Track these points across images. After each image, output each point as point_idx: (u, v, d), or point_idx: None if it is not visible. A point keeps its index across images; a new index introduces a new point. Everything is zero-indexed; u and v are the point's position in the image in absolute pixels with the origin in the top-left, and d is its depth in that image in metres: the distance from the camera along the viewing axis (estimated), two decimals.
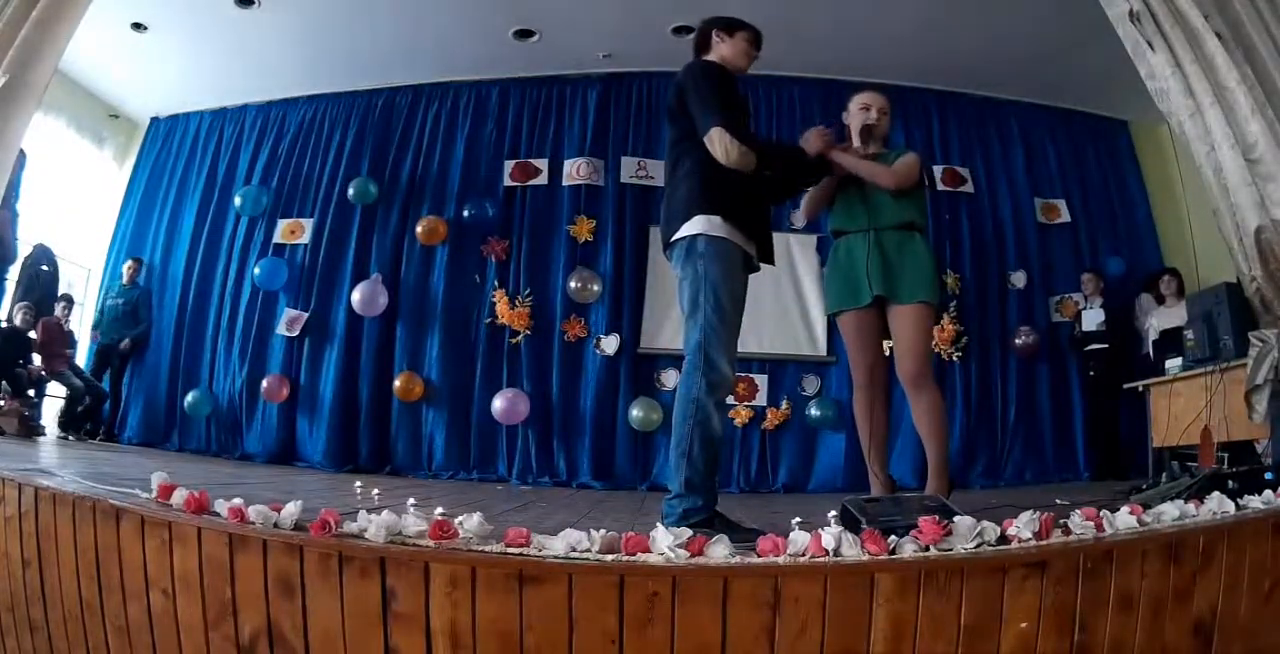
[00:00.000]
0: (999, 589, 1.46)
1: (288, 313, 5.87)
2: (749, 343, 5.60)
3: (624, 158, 5.85)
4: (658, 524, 1.56)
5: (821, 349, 5.62)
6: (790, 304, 5.65)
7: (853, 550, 1.46)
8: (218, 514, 1.60)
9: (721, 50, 2.36)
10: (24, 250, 5.38)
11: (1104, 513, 1.67)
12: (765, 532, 1.61)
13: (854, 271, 2.63)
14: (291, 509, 1.57)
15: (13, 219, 4.86)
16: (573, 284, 5.64)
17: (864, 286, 2.60)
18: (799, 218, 2.75)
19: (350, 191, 5.86)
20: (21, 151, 4.42)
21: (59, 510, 1.75)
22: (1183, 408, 3.83)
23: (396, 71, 6.07)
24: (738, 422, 5.48)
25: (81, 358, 5.91)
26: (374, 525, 1.49)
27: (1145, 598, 1.54)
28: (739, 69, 2.36)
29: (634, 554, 1.46)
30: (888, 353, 2.74)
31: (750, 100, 2.40)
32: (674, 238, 2.19)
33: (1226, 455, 3.36)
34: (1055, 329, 5.79)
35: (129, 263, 6.08)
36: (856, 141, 2.75)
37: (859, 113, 2.75)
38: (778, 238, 5.63)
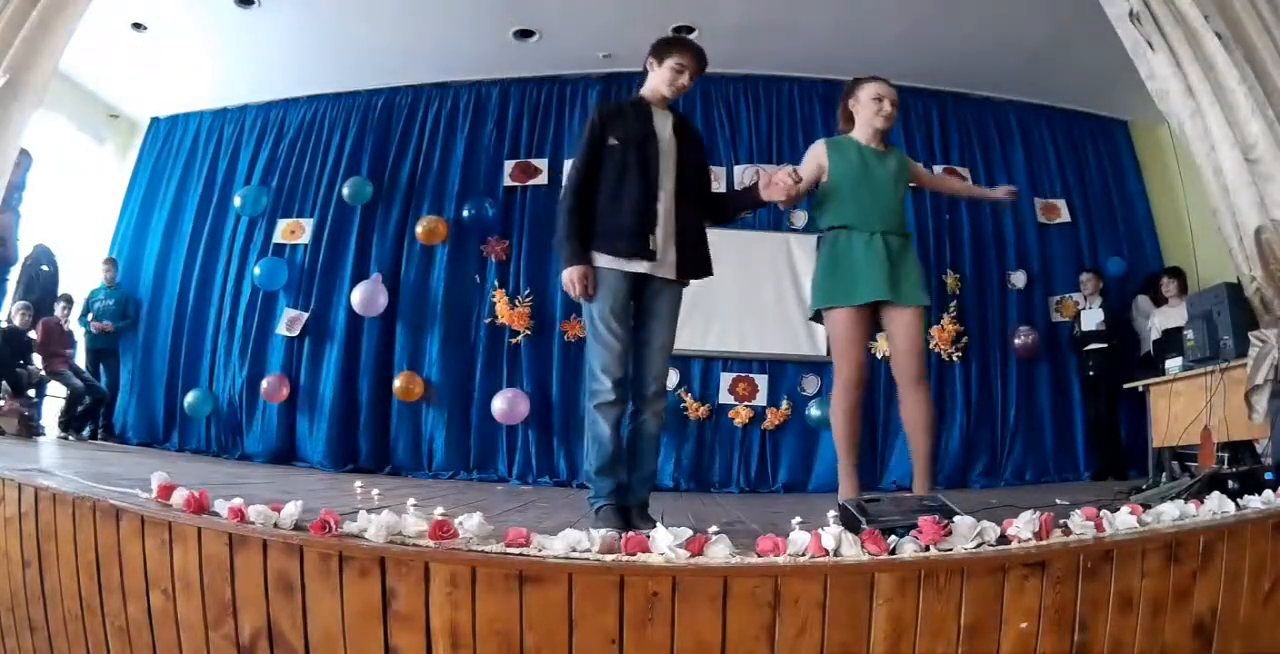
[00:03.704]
0: (999, 589, 1.46)
1: (288, 313, 5.87)
2: (749, 343, 5.64)
3: None
4: (657, 523, 1.56)
5: (821, 349, 5.60)
6: (790, 304, 5.64)
7: (853, 550, 1.46)
8: (218, 514, 1.60)
9: (650, 79, 2.50)
10: (24, 250, 5.37)
11: (1104, 513, 1.67)
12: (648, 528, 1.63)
13: (857, 270, 2.61)
14: (291, 509, 1.57)
15: (15, 221, 4.86)
16: None
17: (867, 286, 2.59)
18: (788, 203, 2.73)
19: (346, 191, 5.86)
20: (26, 153, 4.44)
21: (59, 510, 1.75)
22: (1183, 408, 3.83)
23: (396, 72, 6.07)
24: (738, 422, 5.48)
25: (80, 357, 5.90)
26: (374, 525, 1.49)
27: (1145, 598, 1.54)
28: (664, 97, 2.48)
29: (634, 554, 1.46)
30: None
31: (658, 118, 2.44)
32: None
33: (1226, 455, 3.37)
34: (1055, 329, 5.79)
35: (106, 264, 6.06)
36: (867, 134, 2.73)
37: (872, 103, 2.70)
38: (777, 238, 5.72)
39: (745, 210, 2.73)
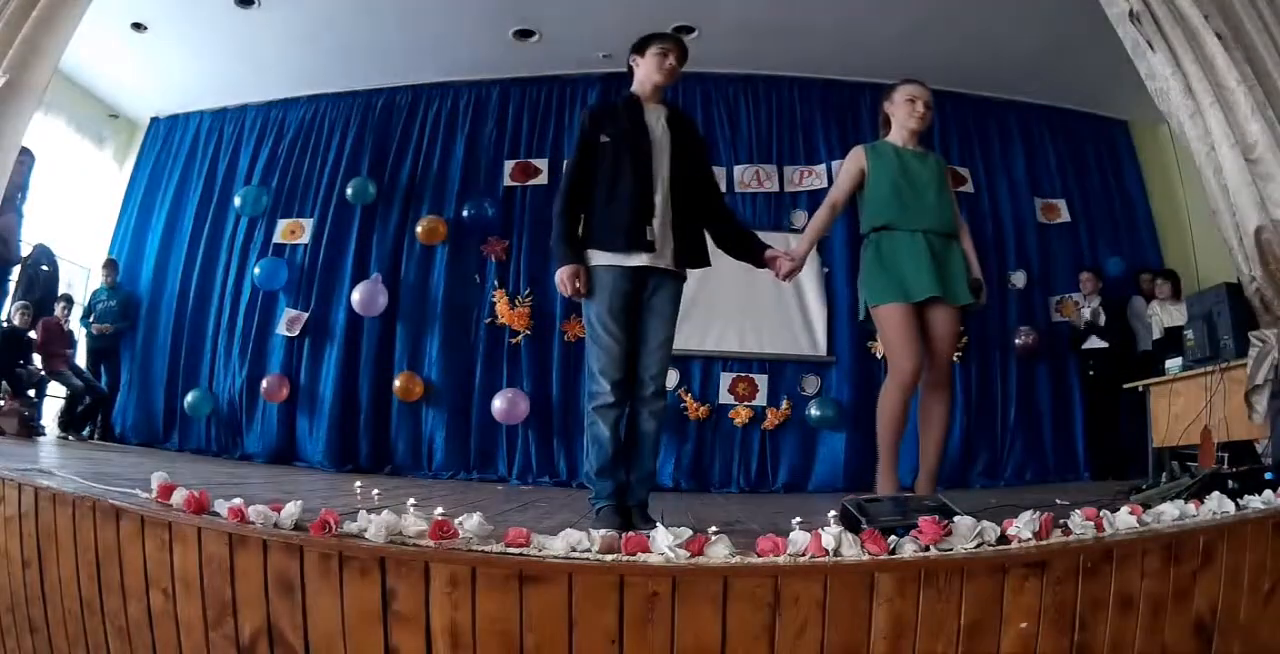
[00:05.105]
0: (999, 589, 1.46)
1: (288, 313, 5.87)
2: (749, 343, 5.63)
3: None
4: (657, 524, 1.56)
5: (821, 349, 5.62)
6: (790, 304, 5.64)
7: (853, 550, 1.46)
8: (218, 514, 1.60)
9: (638, 75, 2.52)
10: (25, 250, 5.37)
11: (1104, 513, 1.67)
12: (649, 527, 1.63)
13: (905, 269, 2.61)
14: (291, 509, 1.57)
15: (18, 222, 4.86)
16: None
17: (918, 284, 2.59)
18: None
19: (349, 191, 5.86)
20: (29, 152, 4.43)
21: (59, 510, 1.74)
22: (1183, 408, 3.82)
23: (396, 71, 6.07)
24: (738, 421, 5.48)
25: (80, 357, 5.90)
26: (374, 525, 1.49)
27: (1145, 598, 1.54)
28: (658, 84, 2.49)
29: (634, 554, 1.46)
30: None
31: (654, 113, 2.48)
32: None
33: (1226, 455, 3.36)
34: (1055, 329, 5.79)
35: (105, 265, 6.05)
36: (903, 135, 2.77)
37: (905, 104, 2.75)
38: (778, 237, 5.72)
39: (745, 261, 2.64)
